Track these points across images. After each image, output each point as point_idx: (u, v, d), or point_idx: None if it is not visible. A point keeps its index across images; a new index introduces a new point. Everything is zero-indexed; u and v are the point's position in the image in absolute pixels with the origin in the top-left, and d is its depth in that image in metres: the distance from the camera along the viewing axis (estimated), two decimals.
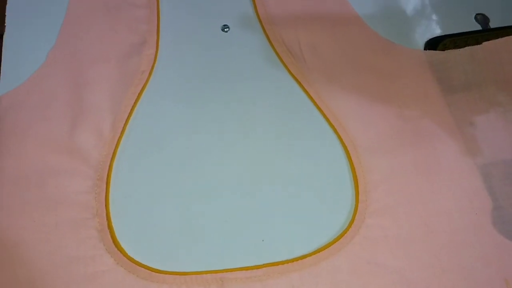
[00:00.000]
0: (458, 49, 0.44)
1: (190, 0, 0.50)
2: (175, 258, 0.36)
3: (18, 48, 0.46)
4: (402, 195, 0.38)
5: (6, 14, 0.48)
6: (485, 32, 0.47)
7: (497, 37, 0.44)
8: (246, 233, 0.37)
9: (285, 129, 0.42)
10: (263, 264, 0.35)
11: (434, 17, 0.49)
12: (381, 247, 0.35)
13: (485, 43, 0.43)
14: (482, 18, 0.48)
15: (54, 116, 0.41)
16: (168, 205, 0.38)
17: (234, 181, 0.39)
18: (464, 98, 0.42)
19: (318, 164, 0.40)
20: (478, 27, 0.48)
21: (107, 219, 0.37)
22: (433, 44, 0.46)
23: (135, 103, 0.43)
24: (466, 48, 0.44)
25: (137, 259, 0.35)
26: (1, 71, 0.44)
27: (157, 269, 0.35)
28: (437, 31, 0.48)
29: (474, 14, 0.48)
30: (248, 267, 0.35)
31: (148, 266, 0.35)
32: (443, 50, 0.45)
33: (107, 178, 0.39)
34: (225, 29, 0.48)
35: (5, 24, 0.47)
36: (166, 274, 0.35)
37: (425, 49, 0.46)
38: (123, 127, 0.41)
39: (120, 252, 0.35)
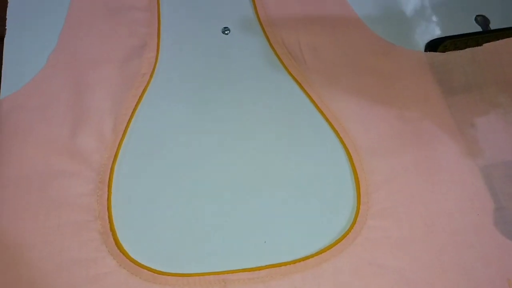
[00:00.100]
0: (459, 51, 0.44)
1: (191, 2, 0.50)
2: (178, 260, 0.36)
3: (19, 50, 0.46)
4: (403, 196, 0.38)
5: (7, 16, 0.48)
6: (485, 34, 0.47)
7: (497, 38, 0.44)
8: (249, 234, 0.37)
9: (286, 130, 0.42)
10: (266, 266, 0.35)
11: (434, 18, 0.49)
12: (383, 248, 0.36)
13: (485, 45, 0.44)
14: (482, 20, 0.48)
15: (56, 119, 0.41)
16: (170, 207, 0.38)
17: (236, 183, 0.39)
18: (465, 100, 0.42)
19: (319, 166, 0.40)
20: (478, 28, 0.48)
21: (109, 222, 0.37)
22: (433, 45, 0.46)
23: (136, 105, 0.43)
24: (467, 49, 0.44)
25: (139, 261, 0.35)
26: (2, 73, 0.44)
27: (160, 271, 0.35)
28: (437, 33, 0.48)
29: (475, 16, 0.49)
30: (250, 268, 0.35)
31: (151, 268, 0.35)
32: (444, 51, 0.45)
33: (109, 181, 0.39)
34: (226, 32, 0.48)
35: (6, 27, 0.47)
36: (168, 275, 0.35)
37: (425, 50, 0.46)
38: (124, 130, 0.41)
39: (123, 254, 0.35)
